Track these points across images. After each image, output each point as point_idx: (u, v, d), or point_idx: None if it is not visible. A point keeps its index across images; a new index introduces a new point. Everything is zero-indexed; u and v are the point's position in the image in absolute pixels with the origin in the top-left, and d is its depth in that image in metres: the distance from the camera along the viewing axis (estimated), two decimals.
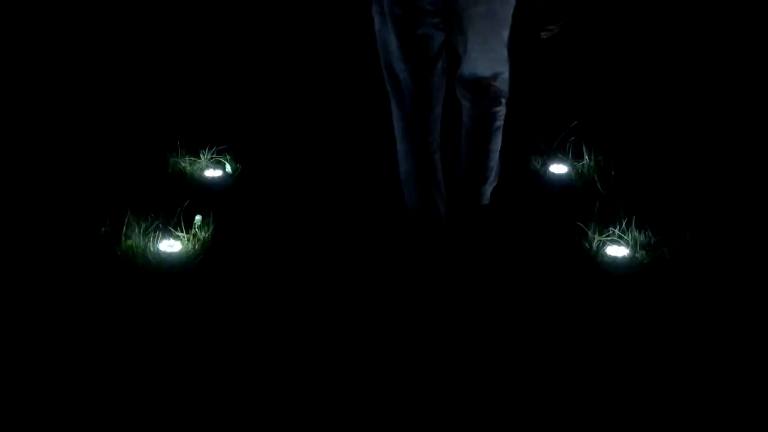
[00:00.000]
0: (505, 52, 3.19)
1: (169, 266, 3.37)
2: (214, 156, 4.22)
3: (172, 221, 3.58)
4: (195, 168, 4.15)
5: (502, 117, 3.32)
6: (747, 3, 5.85)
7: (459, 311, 3.19)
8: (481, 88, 3.21)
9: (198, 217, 3.61)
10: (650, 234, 3.57)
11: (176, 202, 3.72)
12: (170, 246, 3.47)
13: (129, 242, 3.46)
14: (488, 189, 3.46)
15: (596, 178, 4.07)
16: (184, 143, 4.26)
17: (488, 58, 3.17)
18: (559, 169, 4.20)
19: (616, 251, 3.51)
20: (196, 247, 3.49)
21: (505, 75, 3.24)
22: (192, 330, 3.05)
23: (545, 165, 4.23)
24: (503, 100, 3.29)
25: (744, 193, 3.97)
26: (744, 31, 5.66)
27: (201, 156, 4.21)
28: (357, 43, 5.65)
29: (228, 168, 4.15)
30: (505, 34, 3.16)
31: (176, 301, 3.19)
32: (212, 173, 4.12)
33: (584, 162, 4.18)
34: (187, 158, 4.19)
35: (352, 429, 2.69)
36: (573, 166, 4.20)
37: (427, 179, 3.39)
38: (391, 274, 3.40)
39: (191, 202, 3.73)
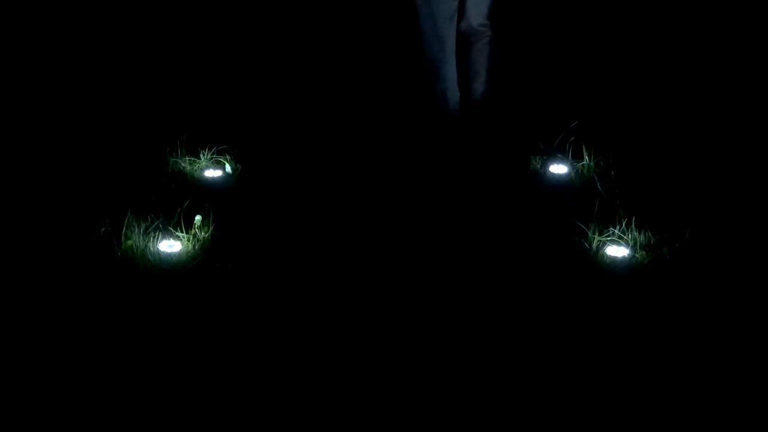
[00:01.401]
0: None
1: (169, 266, 3.37)
2: (214, 156, 4.22)
3: (172, 221, 3.59)
4: (195, 168, 4.15)
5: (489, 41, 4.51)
6: (747, 3, 5.85)
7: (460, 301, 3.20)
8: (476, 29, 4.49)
9: (198, 217, 3.61)
10: (650, 234, 3.57)
11: (176, 202, 3.72)
12: (170, 246, 3.47)
13: (129, 242, 3.46)
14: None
15: (596, 178, 4.07)
16: (184, 143, 4.26)
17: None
18: (559, 169, 4.20)
19: (616, 251, 3.51)
20: (196, 247, 3.49)
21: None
22: (192, 330, 3.05)
23: (545, 165, 4.23)
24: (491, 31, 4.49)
25: (744, 194, 3.97)
26: (744, 31, 5.66)
27: (201, 156, 4.21)
28: (356, 44, 5.65)
29: (228, 168, 4.15)
30: None
31: (176, 301, 3.19)
32: (212, 173, 4.12)
33: (584, 162, 4.18)
34: (187, 158, 4.19)
35: (351, 429, 2.69)
36: (573, 166, 4.20)
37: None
38: (390, 272, 3.41)
39: (191, 202, 3.73)
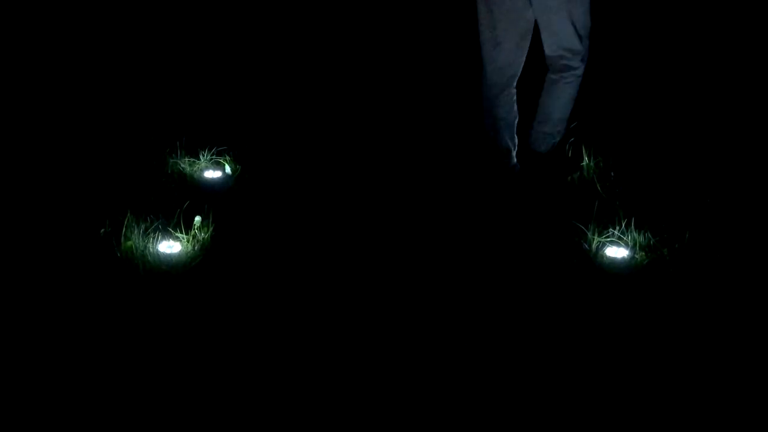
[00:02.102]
0: (572, 30, 3.87)
1: (168, 267, 3.37)
2: (213, 157, 4.22)
3: (172, 222, 3.59)
4: (195, 169, 4.15)
5: (574, 84, 4.01)
6: (746, 3, 5.85)
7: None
8: (552, 63, 3.98)
9: (198, 218, 3.62)
10: (649, 235, 3.57)
11: (176, 203, 3.72)
12: (170, 247, 3.48)
13: (129, 243, 3.46)
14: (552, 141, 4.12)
15: (596, 179, 4.07)
16: (183, 144, 4.26)
17: (555, 39, 3.89)
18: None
19: (616, 252, 3.51)
20: (196, 248, 3.50)
21: (576, 48, 3.91)
22: (192, 330, 3.06)
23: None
24: (574, 71, 3.97)
25: (744, 194, 3.97)
26: (743, 31, 5.66)
27: (201, 157, 4.21)
28: (357, 44, 5.66)
29: (228, 169, 4.15)
30: (577, 12, 3.85)
31: (176, 301, 3.20)
32: (212, 174, 4.12)
33: (584, 162, 4.18)
34: (186, 159, 4.19)
35: (351, 428, 2.70)
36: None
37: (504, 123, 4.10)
38: (390, 272, 3.41)
39: (191, 203, 3.74)
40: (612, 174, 4.09)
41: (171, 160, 4.19)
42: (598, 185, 4.01)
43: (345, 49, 5.61)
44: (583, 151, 4.22)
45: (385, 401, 2.78)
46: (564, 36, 3.88)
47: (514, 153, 4.14)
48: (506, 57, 3.97)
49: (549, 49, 3.93)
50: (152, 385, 2.81)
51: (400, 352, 2.99)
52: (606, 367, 2.93)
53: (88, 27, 5.65)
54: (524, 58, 4.02)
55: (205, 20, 5.90)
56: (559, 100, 4.01)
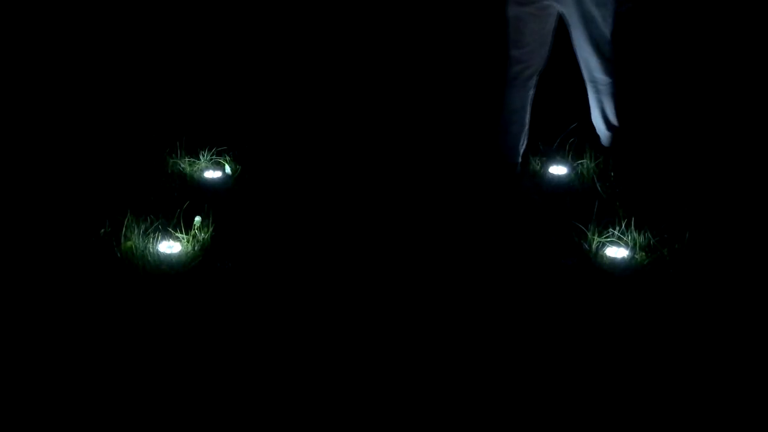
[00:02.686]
0: (603, 41, 4.02)
1: (168, 267, 3.37)
2: (213, 157, 4.22)
3: (172, 222, 3.59)
4: (194, 169, 4.15)
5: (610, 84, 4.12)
6: (745, 4, 5.86)
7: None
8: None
9: (197, 218, 3.62)
10: (649, 235, 3.57)
11: (176, 204, 3.72)
12: (170, 247, 3.48)
13: (129, 243, 3.46)
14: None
15: (596, 179, 4.07)
16: (183, 144, 4.26)
17: (588, 56, 4.02)
18: (558, 169, 4.20)
19: (616, 252, 3.51)
20: (196, 248, 3.50)
21: (604, 58, 4.04)
22: (191, 330, 3.06)
23: (545, 166, 4.23)
24: (609, 75, 4.09)
25: (744, 195, 3.97)
26: (742, 32, 5.66)
27: (200, 157, 4.21)
28: (356, 44, 5.66)
29: (227, 169, 4.15)
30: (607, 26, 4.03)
31: (176, 301, 3.19)
32: (212, 174, 4.12)
33: (584, 162, 4.18)
34: (186, 159, 4.19)
35: (351, 428, 2.70)
36: (573, 167, 4.20)
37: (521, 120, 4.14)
38: (389, 271, 3.41)
39: (191, 204, 3.74)
40: (612, 174, 4.10)
41: (171, 160, 4.19)
42: (598, 185, 4.01)
43: (346, 48, 5.61)
44: (587, 150, 4.22)
45: (385, 401, 2.78)
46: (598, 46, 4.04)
47: (520, 152, 4.14)
48: (528, 54, 4.04)
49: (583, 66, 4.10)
50: (152, 384, 2.81)
51: (400, 351, 2.99)
52: (606, 367, 2.93)
53: (88, 27, 5.65)
54: (547, 57, 4.08)
55: (205, 20, 5.90)
56: (603, 103, 4.14)
